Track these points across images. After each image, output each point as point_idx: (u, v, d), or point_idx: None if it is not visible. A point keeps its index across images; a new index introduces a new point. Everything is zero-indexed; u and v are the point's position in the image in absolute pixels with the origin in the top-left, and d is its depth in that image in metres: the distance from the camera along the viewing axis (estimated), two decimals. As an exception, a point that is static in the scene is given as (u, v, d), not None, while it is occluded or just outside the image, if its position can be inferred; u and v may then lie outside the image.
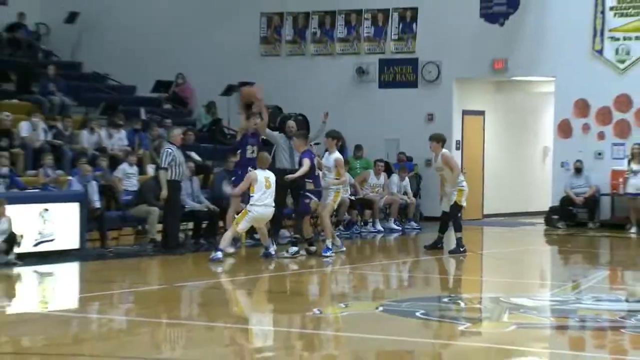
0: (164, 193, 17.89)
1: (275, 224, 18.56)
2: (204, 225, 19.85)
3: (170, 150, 18.05)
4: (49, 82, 24.90)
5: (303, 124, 23.28)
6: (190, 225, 20.05)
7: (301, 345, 10.93)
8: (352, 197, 22.14)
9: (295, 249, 17.79)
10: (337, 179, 18.28)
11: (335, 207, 19.19)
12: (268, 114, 20.03)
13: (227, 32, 27.07)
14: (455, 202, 18.45)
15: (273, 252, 17.48)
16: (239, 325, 12.27)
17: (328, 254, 17.74)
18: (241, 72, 26.42)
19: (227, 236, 17.08)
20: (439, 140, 19.01)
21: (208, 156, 22.46)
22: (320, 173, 18.01)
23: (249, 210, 16.80)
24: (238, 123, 25.67)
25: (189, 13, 27.31)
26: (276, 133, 20.13)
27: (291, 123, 20.93)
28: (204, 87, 26.51)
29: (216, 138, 24.56)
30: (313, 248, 18.12)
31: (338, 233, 20.03)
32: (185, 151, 19.66)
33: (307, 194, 17.65)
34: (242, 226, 17.10)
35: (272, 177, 17.12)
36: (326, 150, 18.97)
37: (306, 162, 17.53)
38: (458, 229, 18.71)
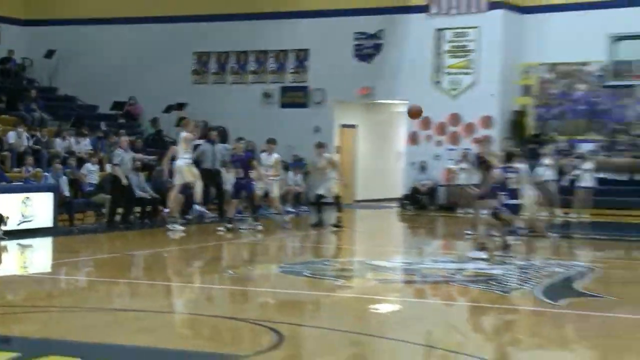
0: (124, 181, 17.96)
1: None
2: (148, 209, 19.67)
3: (119, 152, 18.24)
4: (31, 102, 24.55)
5: (224, 133, 23.09)
6: (138, 209, 19.81)
7: (217, 298, 10.83)
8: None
9: None
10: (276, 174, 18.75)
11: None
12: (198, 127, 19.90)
13: (168, 65, 26.81)
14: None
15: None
16: (172, 283, 12.13)
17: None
18: (178, 96, 26.34)
19: None
20: (321, 146, 19.03)
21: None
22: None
23: None
24: (174, 133, 25.72)
25: (140, 50, 26.99)
26: (202, 141, 20.07)
27: (214, 132, 20.92)
28: (150, 106, 26.18)
29: (158, 144, 24.23)
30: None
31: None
32: (134, 153, 19.59)
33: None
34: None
35: None
36: (263, 151, 19.31)
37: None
38: (339, 210, 18.79)
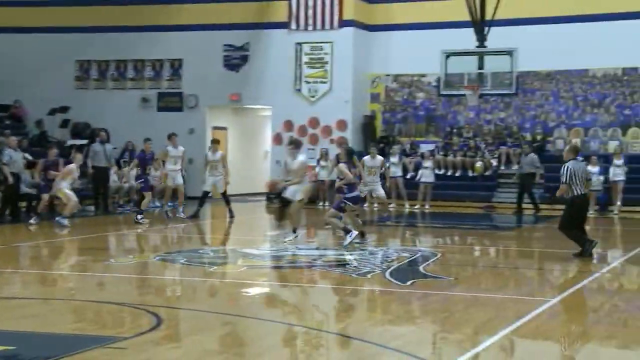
0: (10, 179, 17.26)
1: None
2: (33, 204, 18.84)
3: (7, 152, 17.50)
4: None
5: (106, 134, 22.46)
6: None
7: (94, 285, 10.48)
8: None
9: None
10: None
11: None
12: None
13: (52, 71, 25.86)
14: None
15: None
16: (57, 272, 11.67)
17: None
18: (62, 100, 25.52)
19: None
20: (216, 143, 19.01)
21: (36, 156, 21.27)
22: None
23: None
24: (58, 134, 24.91)
25: (26, 57, 25.92)
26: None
27: (103, 133, 20.95)
28: (35, 109, 25.22)
29: (42, 144, 23.32)
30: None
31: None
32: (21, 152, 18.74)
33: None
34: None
35: None
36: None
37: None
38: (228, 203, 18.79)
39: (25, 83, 25.50)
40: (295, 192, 13.42)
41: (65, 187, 16.54)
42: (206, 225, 18.36)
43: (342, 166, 13.48)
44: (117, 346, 6.76)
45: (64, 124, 25.39)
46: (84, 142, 22.43)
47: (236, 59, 25.60)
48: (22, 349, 6.84)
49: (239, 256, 12.89)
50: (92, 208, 20.30)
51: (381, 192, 17.76)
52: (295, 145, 13.85)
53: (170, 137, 18.93)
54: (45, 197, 17.10)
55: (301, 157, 13.68)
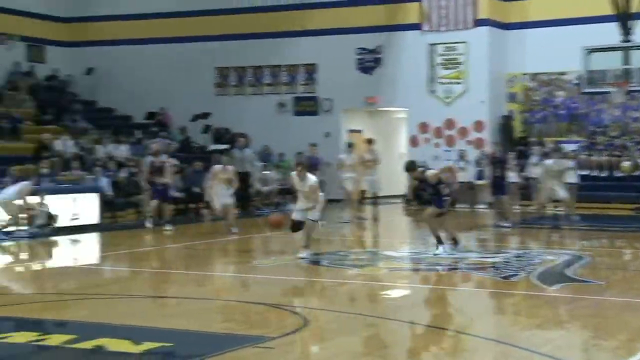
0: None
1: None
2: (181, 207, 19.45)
3: (149, 159, 18.11)
4: (75, 114, 24.59)
5: (245, 139, 23.09)
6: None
7: (240, 286, 10.74)
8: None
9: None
10: None
11: None
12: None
13: (193, 78, 26.73)
14: None
15: None
16: (204, 273, 12.04)
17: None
18: (202, 106, 26.29)
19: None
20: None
21: (182, 161, 22.05)
22: None
23: None
24: (200, 140, 25.76)
25: (169, 66, 26.87)
26: None
27: (241, 139, 21.59)
28: (179, 116, 26.11)
29: (185, 149, 24.16)
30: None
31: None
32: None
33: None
34: None
35: None
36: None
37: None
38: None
39: (169, 91, 26.47)
40: (314, 214, 12.44)
41: (219, 193, 16.16)
42: (346, 227, 18.46)
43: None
44: (266, 346, 6.91)
45: (206, 129, 26.21)
46: (225, 147, 23.06)
47: (369, 62, 25.67)
48: (179, 346, 7.14)
49: (380, 258, 12.92)
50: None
51: (562, 193, 17.28)
52: (304, 166, 12.71)
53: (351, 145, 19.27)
54: (153, 203, 17.37)
55: (312, 178, 12.42)
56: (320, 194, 12.44)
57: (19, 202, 15.74)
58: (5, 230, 15.59)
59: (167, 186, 17.51)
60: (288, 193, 22.38)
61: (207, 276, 11.60)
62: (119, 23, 27.57)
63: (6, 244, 15.08)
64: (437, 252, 12.61)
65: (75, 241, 15.91)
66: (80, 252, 15.26)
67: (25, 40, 26.05)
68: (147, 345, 6.94)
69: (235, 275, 11.63)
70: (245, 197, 21.00)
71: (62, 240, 15.86)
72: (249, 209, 21.26)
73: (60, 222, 16.64)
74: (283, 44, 26.24)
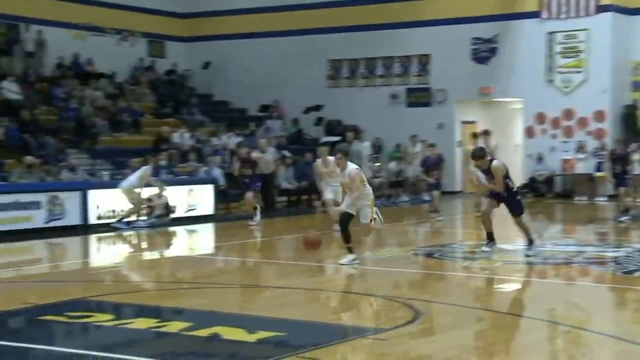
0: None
1: None
2: (293, 199, 19.69)
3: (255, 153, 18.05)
4: (192, 107, 25.19)
5: (355, 133, 23.18)
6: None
7: (351, 277, 10.75)
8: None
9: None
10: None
11: None
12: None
13: (306, 71, 26.93)
14: None
15: None
16: (315, 263, 12.11)
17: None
18: (315, 99, 26.48)
19: None
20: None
21: (294, 153, 22.29)
22: None
23: None
24: (313, 132, 25.96)
25: (282, 59, 27.14)
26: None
27: (349, 133, 21.74)
28: (292, 108, 26.38)
29: (299, 141, 24.41)
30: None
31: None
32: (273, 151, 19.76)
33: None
34: None
35: None
36: None
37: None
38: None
39: (282, 84, 26.77)
40: (366, 214, 11.04)
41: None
42: (458, 220, 18.26)
43: None
44: (377, 337, 6.91)
45: (318, 121, 26.40)
46: (337, 138, 23.18)
47: (485, 52, 25.24)
48: (291, 336, 7.23)
49: (493, 252, 12.70)
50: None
51: None
52: (343, 154, 11.14)
53: (481, 134, 18.23)
54: (249, 195, 16.55)
55: (352, 167, 11.02)
56: (367, 188, 11.00)
57: (140, 190, 16.23)
58: (126, 220, 16.15)
59: (252, 178, 16.53)
60: (400, 185, 22.38)
61: (318, 267, 11.69)
62: (234, 17, 28.07)
63: (127, 233, 15.65)
64: (484, 249, 11.67)
65: (191, 231, 16.33)
66: (196, 242, 15.66)
67: (147, 36, 26.88)
68: (261, 335, 7.06)
69: (345, 266, 11.66)
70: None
71: (179, 230, 16.30)
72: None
73: (177, 213, 17.12)
74: (396, 35, 26.10)
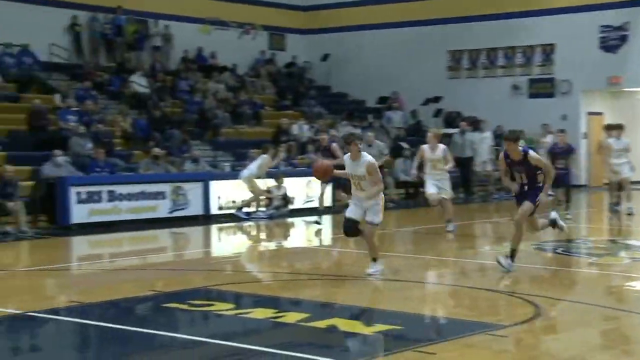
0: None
1: None
2: (410, 191, 19.48)
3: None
4: (311, 99, 25.39)
5: (475, 121, 22.84)
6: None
7: (467, 271, 10.57)
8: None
9: None
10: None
11: None
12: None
13: (425, 63, 26.70)
14: None
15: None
16: (429, 257, 11.98)
17: None
18: (435, 90, 26.24)
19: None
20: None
21: (412, 144, 22.11)
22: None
23: None
24: (431, 124, 25.69)
25: (400, 50, 27.02)
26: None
27: (464, 123, 21.75)
28: (411, 100, 26.20)
29: (417, 133, 24.20)
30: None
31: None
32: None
33: None
34: None
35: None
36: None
37: None
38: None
39: (401, 75, 26.63)
40: (376, 212, 9.34)
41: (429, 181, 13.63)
42: (582, 214, 17.67)
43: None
44: (498, 334, 6.77)
45: (437, 113, 26.13)
46: (455, 130, 22.88)
47: (614, 40, 24.38)
48: (408, 330, 7.18)
49: (621, 248, 12.25)
50: (461, 196, 20.61)
51: None
52: (357, 143, 9.37)
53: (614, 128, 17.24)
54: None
55: (367, 158, 9.32)
56: (381, 190, 9.37)
57: (260, 179, 16.48)
58: (246, 210, 16.45)
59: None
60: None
61: (436, 261, 11.56)
62: (353, 9, 28.11)
63: (246, 224, 15.94)
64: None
65: (309, 223, 16.46)
66: (313, 234, 15.76)
67: (268, 29, 27.27)
68: (378, 327, 7.04)
69: (464, 260, 11.49)
70: (466, 181, 20.82)
71: (297, 221, 16.46)
72: (472, 194, 21.01)
73: (296, 204, 17.30)
74: (518, 25, 25.57)
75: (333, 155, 15.08)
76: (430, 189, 13.42)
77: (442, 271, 10.82)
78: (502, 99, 25.76)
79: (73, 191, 14.80)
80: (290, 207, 17.12)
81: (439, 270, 10.90)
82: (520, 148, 9.79)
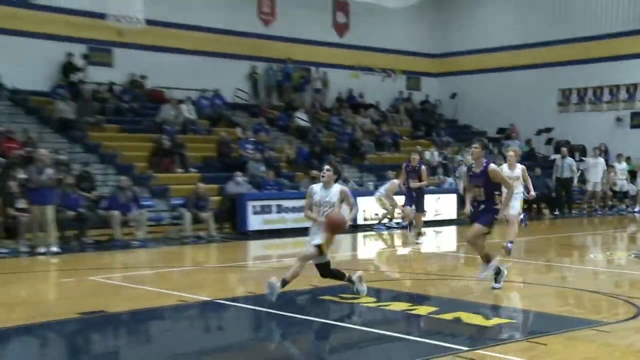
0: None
1: None
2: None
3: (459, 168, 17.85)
4: (440, 130, 25.16)
5: (582, 150, 21.90)
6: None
7: (576, 275, 10.07)
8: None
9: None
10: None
11: None
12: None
13: (538, 98, 25.82)
14: None
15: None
16: (543, 262, 11.50)
17: None
18: (546, 122, 25.37)
19: None
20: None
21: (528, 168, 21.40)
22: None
23: None
24: (543, 151, 24.78)
25: (517, 89, 26.24)
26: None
27: (564, 149, 20.77)
28: (525, 130, 25.41)
29: (530, 158, 23.36)
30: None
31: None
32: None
33: None
34: None
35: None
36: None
37: None
38: None
39: (517, 109, 25.92)
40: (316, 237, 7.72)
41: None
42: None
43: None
44: (601, 329, 6.44)
45: (548, 141, 25.21)
46: (557, 156, 22.01)
47: None
48: (522, 324, 6.99)
49: None
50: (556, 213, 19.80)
51: None
52: (335, 169, 7.77)
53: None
54: (406, 210, 13.93)
55: (338, 187, 7.77)
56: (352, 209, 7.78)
57: (387, 198, 16.44)
58: (382, 222, 16.49)
59: (417, 191, 13.77)
60: (624, 196, 20.70)
61: (546, 266, 11.12)
62: (476, 56, 27.59)
63: (383, 233, 15.93)
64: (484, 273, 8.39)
65: (437, 232, 16.26)
66: (441, 241, 15.56)
67: (406, 73, 27.24)
68: (496, 321, 6.87)
69: (570, 266, 11.00)
70: (566, 201, 20.05)
71: (428, 231, 16.27)
72: (571, 209, 20.27)
73: (426, 217, 17.10)
74: (622, 66, 24.32)
75: (419, 178, 13.60)
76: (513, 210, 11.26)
77: (550, 275, 10.39)
78: (607, 129, 24.52)
79: (250, 205, 15.26)
80: (423, 219, 16.93)
81: (548, 274, 10.48)
82: (484, 159, 8.09)
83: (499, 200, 8.17)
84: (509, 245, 11.19)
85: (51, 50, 18.65)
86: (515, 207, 11.03)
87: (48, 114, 17.61)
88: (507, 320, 6.87)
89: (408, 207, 13.85)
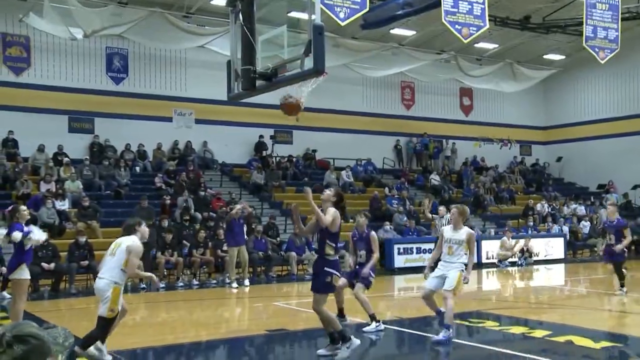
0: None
1: None
2: None
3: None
4: (549, 186, 23.71)
5: None
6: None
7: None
8: None
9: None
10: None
11: None
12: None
13: (635, 159, 23.37)
14: None
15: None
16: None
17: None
18: (610, 175, 23.05)
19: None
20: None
21: (624, 217, 19.43)
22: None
23: None
24: (637, 201, 22.43)
25: (615, 151, 23.98)
26: None
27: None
28: (622, 185, 23.03)
29: (627, 209, 21.19)
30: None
31: None
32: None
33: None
34: None
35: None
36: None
37: None
38: None
39: (615, 168, 23.75)
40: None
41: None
42: None
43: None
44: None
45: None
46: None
47: None
48: (627, 346, 6.30)
49: None
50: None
51: None
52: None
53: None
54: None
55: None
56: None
57: (512, 240, 15.69)
58: (502, 261, 15.74)
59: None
60: None
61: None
62: (577, 127, 25.89)
63: (504, 269, 15.16)
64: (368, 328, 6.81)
65: (548, 269, 15.18)
66: (551, 277, 14.48)
67: (519, 142, 26.18)
68: (604, 344, 6.26)
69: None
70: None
71: (540, 268, 15.26)
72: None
73: (538, 257, 16.11)
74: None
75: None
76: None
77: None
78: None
79: (395, 247, 15.17)
80: (534, 258, 15.97)
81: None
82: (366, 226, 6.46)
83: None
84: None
85: (248, 134, 19.88)
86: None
87: (246, 180, 18.61)
88: (613, 344, 6.24)
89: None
